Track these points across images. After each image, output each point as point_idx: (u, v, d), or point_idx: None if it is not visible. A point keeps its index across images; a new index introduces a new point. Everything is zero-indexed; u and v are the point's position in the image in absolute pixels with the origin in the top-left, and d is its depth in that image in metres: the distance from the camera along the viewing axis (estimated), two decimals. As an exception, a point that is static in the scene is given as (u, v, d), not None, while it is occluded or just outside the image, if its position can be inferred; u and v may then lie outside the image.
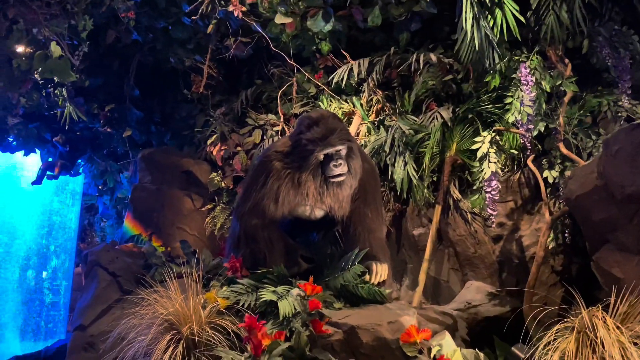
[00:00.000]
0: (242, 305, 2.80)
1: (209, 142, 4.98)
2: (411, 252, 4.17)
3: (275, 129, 4.64)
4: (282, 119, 4.63)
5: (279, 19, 4.26)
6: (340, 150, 2.95)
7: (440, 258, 4.01)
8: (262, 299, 2.78)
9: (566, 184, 3.10)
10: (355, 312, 2.76)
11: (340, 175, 2.96)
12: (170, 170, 5.26)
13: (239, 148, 4.78)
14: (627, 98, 3.39)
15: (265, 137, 4.67)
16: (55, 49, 3.85)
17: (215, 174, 4.93)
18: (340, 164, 2.94)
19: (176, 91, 5.51)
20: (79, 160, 6.21)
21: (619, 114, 3.40)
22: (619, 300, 2.21)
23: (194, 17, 4.43)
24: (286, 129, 4.57)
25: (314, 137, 2.92)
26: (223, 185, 4.87)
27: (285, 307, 2.67)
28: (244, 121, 4.93)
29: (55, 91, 4.74)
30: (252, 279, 2.97)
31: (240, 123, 4.96)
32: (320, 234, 3.45)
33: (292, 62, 4.53)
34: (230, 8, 4.20)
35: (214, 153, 4.85)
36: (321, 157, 2.94)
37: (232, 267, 3.11)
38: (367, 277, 2.92)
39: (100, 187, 6.54)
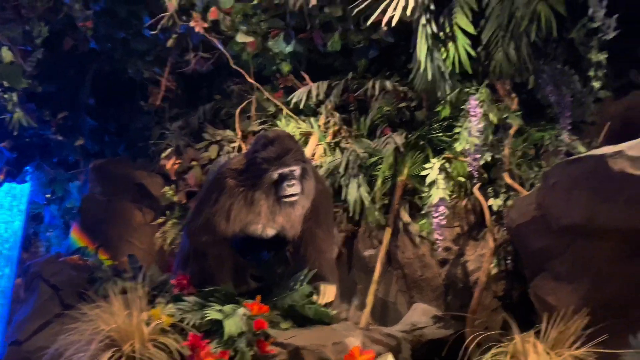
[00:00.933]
0: (187, 324, 2.77)
1: (163, 155, 4.92)
2: (361, 272, 4.22)
3: (232, 145, 4.64)
4: (239, 136, 4.65)
5: (241, 38, 4.31)
6: (294, 170, 2.99)
7: (388, 280, 4.08)
8: (207, 318, 2.76)
9: (508, 212, 3.25)
10: (301, 332, 2.78)
11: (293, 195, 2.99)
12: (122, 181, 5.17)
13: (194, 162, 4.75)
14: (567, 133, 3.56)
15: (221, 153, 4.67)
16: (6, 55, 3.75)
17: (168, 187, 4.88)
18: (294, 184, 2.97)
19: (133, 102, 5.43)
20: (27, 167, 6.00)
21: (560, 148, 3.58)
22: (550, 326, 2.33)
23: (153, 32, 4.41)
24: (243, 146, 4.58)
25: (269, 157, 2.95)
26: (176, 199, 4.81)
27: (231, 326, 2.66)
28: (200, 136, 4.91)
29: (5, 95, 4.60)
30: (199, 296, 2.94)
31: (196, 138, 4.94)
32: (271, 253, 3.45)
33: (252, 80, 4.58)
34: (192, 24, 4.21)
35: (168, 167, 4.80)
36: (275, 176, 2.97)
37: (179, 284, 3.08)
38: (315, 297, 2.95)
39: (48, 195, 6.34)
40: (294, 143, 3.07)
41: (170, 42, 4.48)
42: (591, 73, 3.04)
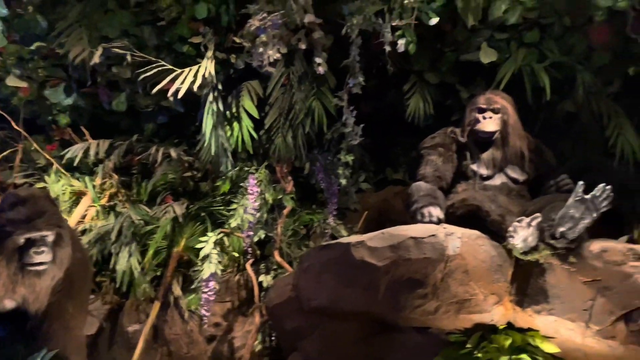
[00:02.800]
0: None
1: None
2: (123, 349, 3.90)
3: (-16, 198, 4.02)
4: (-5, 188, 4.06)
5: (12, 82, 3.90)
6: (46, 236, 2.69)
7: (152, 357, 3.83)
8: None
9: (267, 292, 3.37)
10: None
11: (41, 264, 2.68)
12: None
13: None
14: (333, 218, 3.93)
15: (-33, 207, 3.98)
16: None
17: None
18: (44, 251, 2.67)
19: None
20: None
21: (326, 231, 3.91)
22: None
23: None
24: (-1, 200, 4.00)
25: (17, 218, 2.62)
26: None
27: None
28: (-58, 185, 4.17)
29: None
30: None
31: (-64, 186, 4.17)
32: (7, 329, 2.99)
33: (19, 128, 4.11)
34: (-50, 58, 3.68)
35: None
36: (21, 241, 2.63)
37: None
38: (52, 382, 2.60)
39: None
40: (50, 205, 2.78)
41: None
42: (340, 171, 3.45)
